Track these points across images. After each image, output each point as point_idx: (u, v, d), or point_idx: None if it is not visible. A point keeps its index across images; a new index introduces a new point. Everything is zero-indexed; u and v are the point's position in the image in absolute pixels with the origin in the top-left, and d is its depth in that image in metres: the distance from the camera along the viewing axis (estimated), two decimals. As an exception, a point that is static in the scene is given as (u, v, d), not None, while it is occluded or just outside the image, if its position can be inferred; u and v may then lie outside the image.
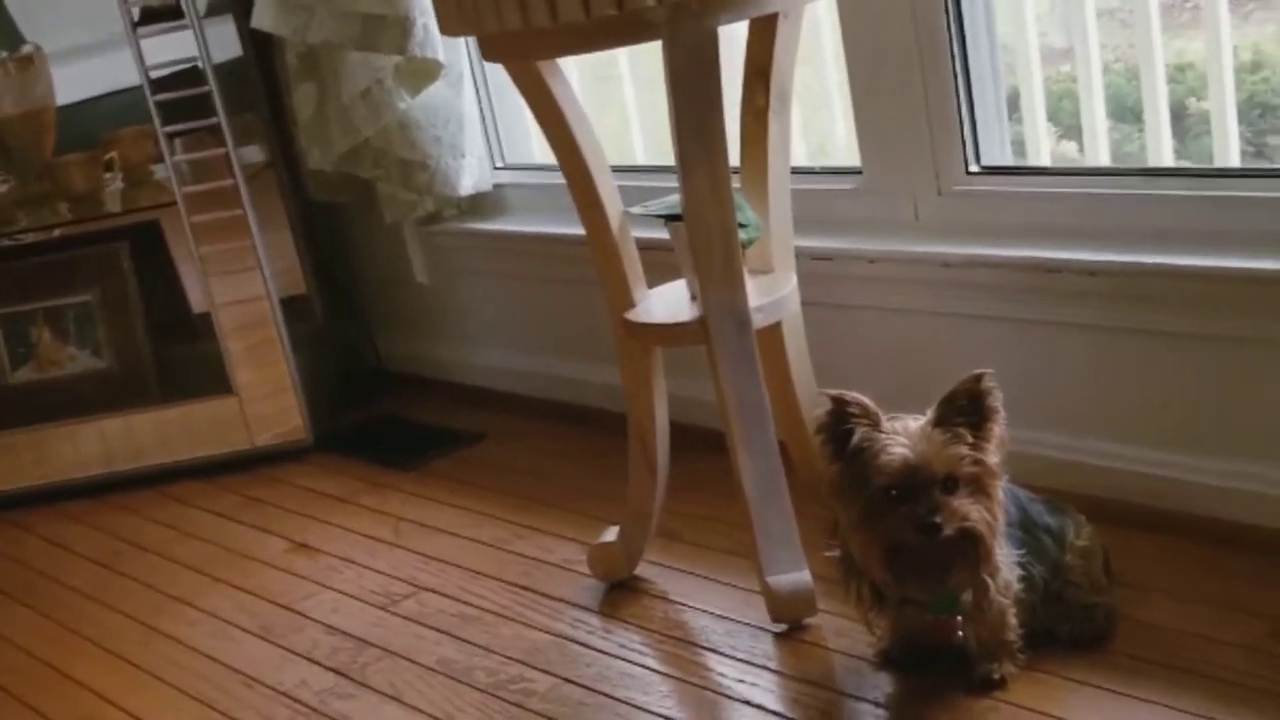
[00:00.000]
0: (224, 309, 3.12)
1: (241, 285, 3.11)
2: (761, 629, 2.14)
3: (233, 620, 2.50)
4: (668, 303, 2.24)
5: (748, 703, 1.98)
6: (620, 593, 2.33)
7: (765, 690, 2.00)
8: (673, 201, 2.19)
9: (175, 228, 3.14)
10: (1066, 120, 2.48)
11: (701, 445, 2.56)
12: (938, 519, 1.74)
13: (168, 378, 3.27)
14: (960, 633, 1.88)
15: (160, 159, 3.08)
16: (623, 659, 2.14)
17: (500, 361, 3.29)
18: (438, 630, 2.33)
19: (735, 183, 2.11)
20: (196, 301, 3.23)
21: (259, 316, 3.13)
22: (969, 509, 1.76)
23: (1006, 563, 1.88)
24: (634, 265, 2.22)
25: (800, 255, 2.39)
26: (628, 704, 2.01)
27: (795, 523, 2.14)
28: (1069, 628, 1.96)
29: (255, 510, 2.97)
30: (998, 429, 1.79)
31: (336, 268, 3.57)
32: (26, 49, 3.21)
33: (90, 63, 3.18)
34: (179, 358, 3.30)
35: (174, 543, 2.88)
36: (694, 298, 2.19)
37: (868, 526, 1.79)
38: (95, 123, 3.22)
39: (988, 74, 2.35)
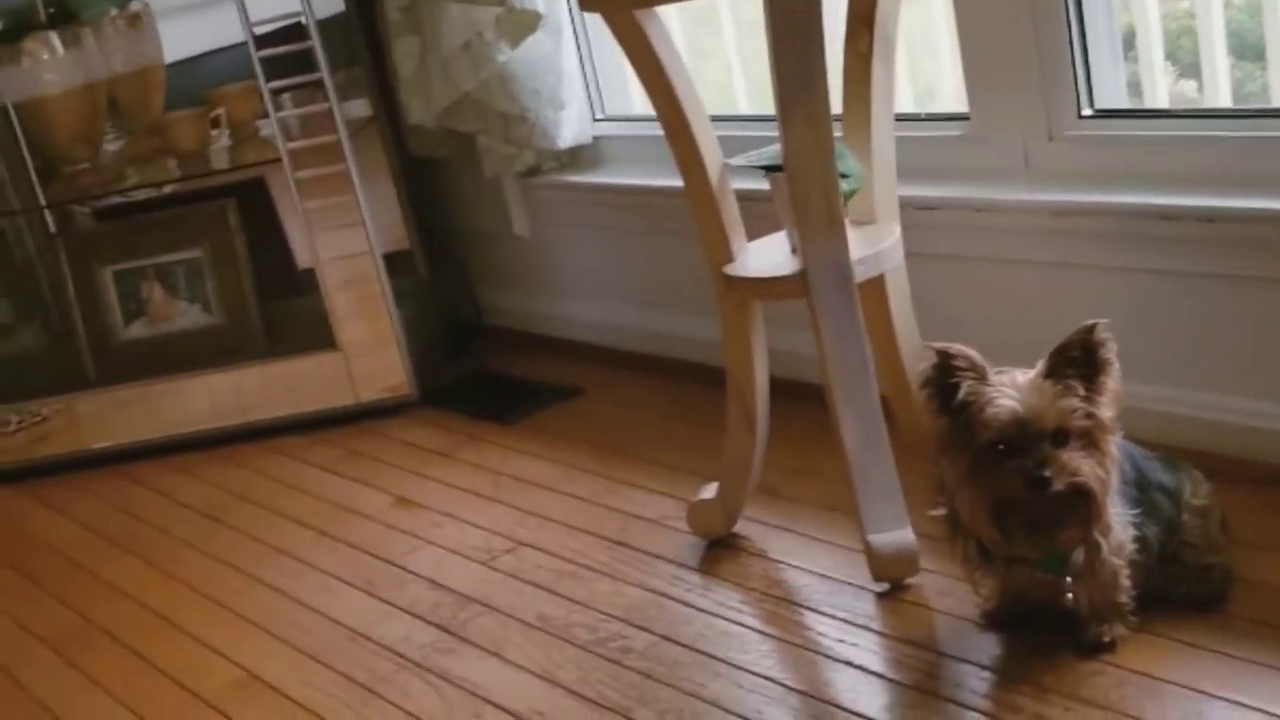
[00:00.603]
0: (328, 264, 3.14)
1: (345, 240, 3.13)
2: (863, 588, 2.13)
3: (336, 574, 2.52)
4: (768, 256, 2.23)
5: (849, 663, 1.96)
6: (719, 550, 2.33)
7: (866, 651, 1.99)
8: (773, 152, 2.17)
9: (280, 183, 3.17)
10: (1185, 59, 2.41)
11: (802, 399, 2.55)
12: (1047, 473, 1.72)
13: (274, 333, 3.30)
14: (1070, 593, 1.86)
15: (265, 115, 3.10)
16: (721, 617, 2.13)
17: (598, 315, 3.30)
18: (537, 586, 2.33)
19: (837, 131, 2.08)
20: (302, 257, 3.26)
21: (363, 271, 3.14)
22: (1080, 463, 1.74)
23: (1119, 521, 1.85)
24: (733, 217, 2.21)
25: (905, 205, 2.36)
26: (726, 662, 2.01)
27: (898, 479, 2.12)
28: (1184, 589, 1.93)
29: (358, 464, 3.00)
30: (1111, 382, 1.77)
31: (438, 222, 3.58)
32: (135, 6, 3.25)
33: (196, 19, 3.22)
34: (285, 313, 3.32)
35: (279, 496, 2.91)
36: (794, 250, 2.18)
37: (974, 482, 1.78)
38: (202, 80, 3.26)
39: (1101, 12, 2.29)
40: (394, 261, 3.24)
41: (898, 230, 2.24)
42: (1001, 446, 1.74)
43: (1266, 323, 2.16)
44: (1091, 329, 1.76)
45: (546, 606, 2.26)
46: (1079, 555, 1.82)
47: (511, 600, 2.30)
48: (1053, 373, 1.75)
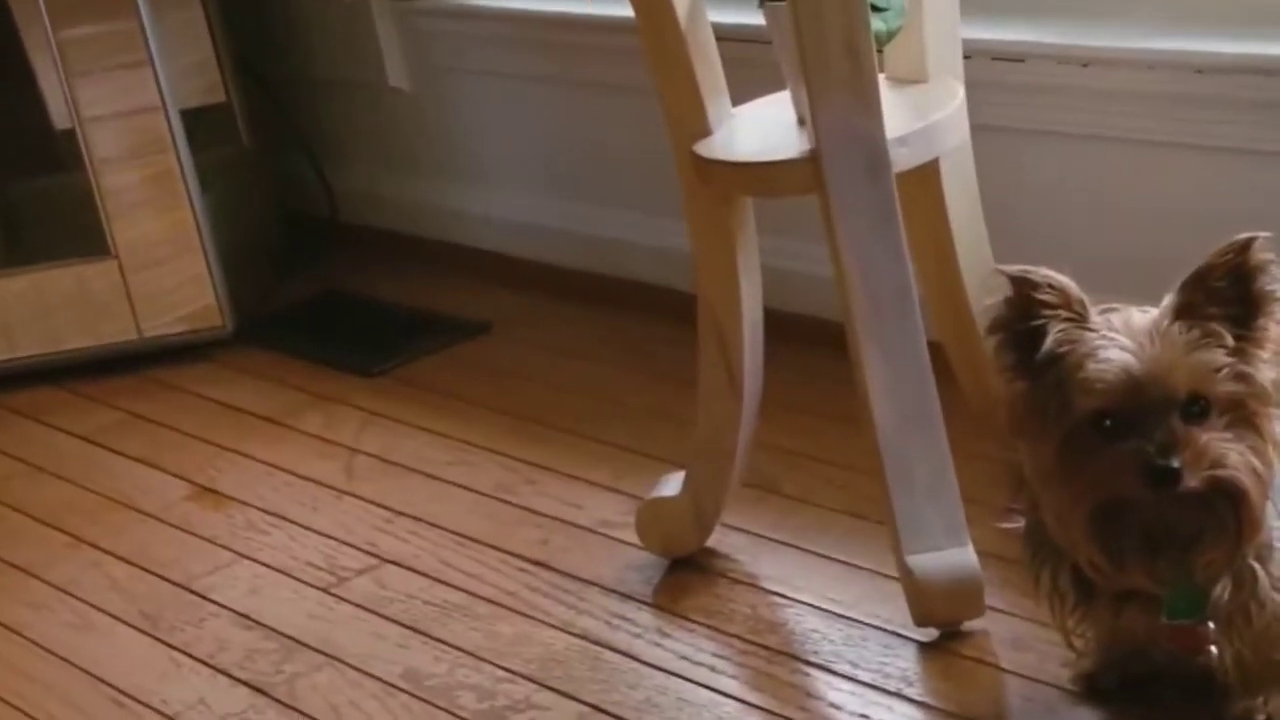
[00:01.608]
0: (96, 125, 3.13)
1: (123, 88, 3.11)
2: (899, 635, 2.15)
3: (100, 604, 2.52)
4: (762, 128, 2.25)
5: None
6: (684, 574, 2.35)
7: None
8: None
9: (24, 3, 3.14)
10: None
11: (814, 346, 2.53)
12: (1175, 462, 1.71)
13: (12, 230, 3.30)
14: (1212, 648, 1.85)
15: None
16: (684, 678, 2.14)
17: (515, 212, 3.33)
18: (405, 626, 2.34)
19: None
20: (57, 113, 3.23)
21: (150, 138, 3.14)
22: (1226, 449, 1.73)
23: None
24: (711, 69, 2.21)
25: (972, 54, 2.36)
26: None
27: (953, 472, 2.13)
28: None
29: (140, 434, 2.98)
30: (1275, 327, 1.77)
31: (270, 66, 3.58)
32: None
33: None
34: (30, 200, 3.31)
35: (15, 481, 2.89)
36: (801, 121, 2.19)
37: (1068, 475, 1.77)
38: None
39: None
40: (200, 123, 3.23)
41: (960, 93, 2.25)
42: (1109, 421, 1.74)
43: None
44: (1246, 247, 1.75)
45: (419, 657, 2.26)
46: (1224, 590, 1.81)
47: (365, 647, 2.31)
48: (1187, 312, 1.75)
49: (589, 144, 3.15)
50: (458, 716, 2.13)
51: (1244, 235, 1.75)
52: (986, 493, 2.14)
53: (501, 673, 2.19)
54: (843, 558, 2.32)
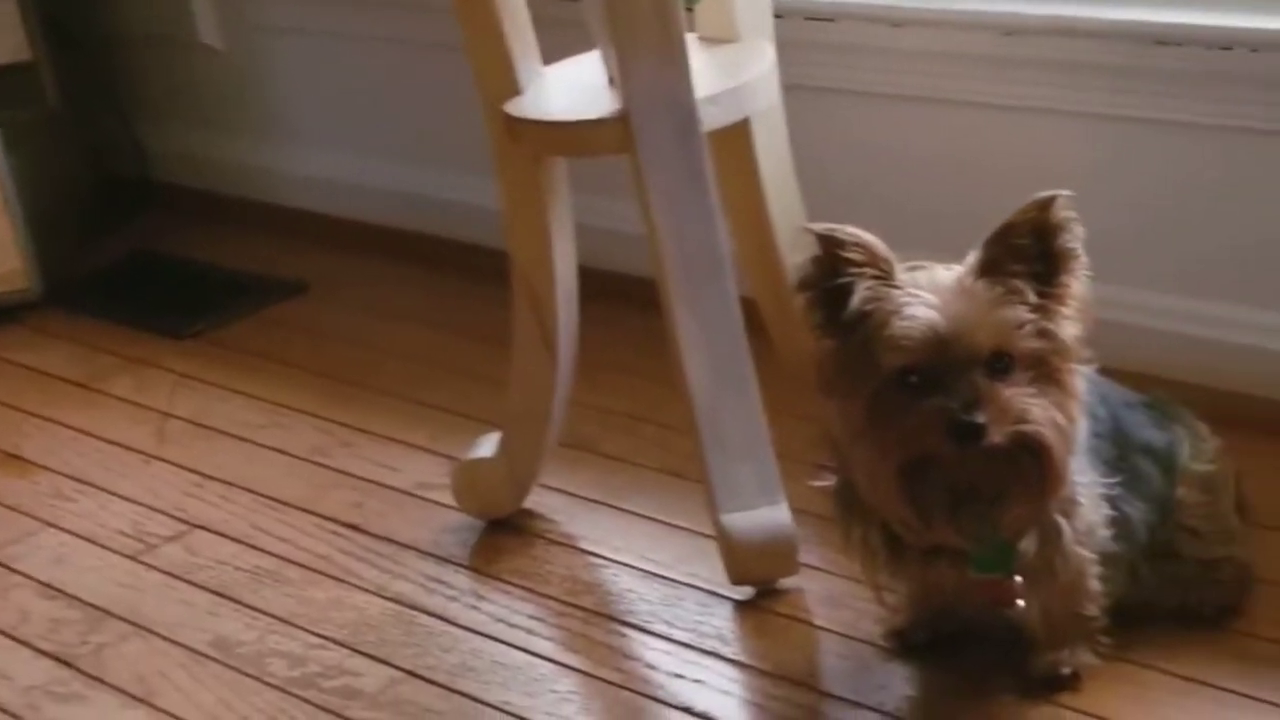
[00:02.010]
0: None
1: None
2: (715, 594, 2.16)
3: None
4: (573, 87, 2.24)
5: (689, 711, 1.97)
6: (501, 536, 2.36)
7: (716, 690, 2.00)
8: None
9: None
10: None
11: (630, 302, 2.52)
12: (980, 417, 1.72)
13: None
14: (1019, 601, 1.87)
15: None
16: (501, 641, 2.14)
17: (331, 171, 3.32)
18: (214, 593, 2.32)
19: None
20: None
21: None
22: (1030, 404, 1.75)
23: (1088, 495, 1.87)
24: (520, 28, 2.19)
25: (784, 14, 2.38)
26: (504, 710, 2.01)
27: (767, 431, 2.14)
28: (1181, 596, 1.97)
29: (-59, 400, 2.96)
30: (1077, 284, 1.79)
31: (78, 22, 3.54)
32: None
33: None
34: None
35: None
36: (612, 81, 2.17)
37: (875, 433, 1.79)
38: None
39: None
40: (5, 82, 3.21)
41: (771, 52, 2.26)
42: (914, 378, 1.75)
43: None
44: (1048, 204, 1.76)
45: (229, 625, 2.24)
46: (1029, 544, 1.84)
47: (174, 616, 2.28)
48: (990, 269, 1.76)
49: (405, 102, 3.14)
50: (268, 684, 2.10)
51: (1045, 193, 1.76)
52: (801, 450, 2.16)
53: (313, 639, 2.18)
54: (660, 517, 2.33)
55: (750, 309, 2.23)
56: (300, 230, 3.34)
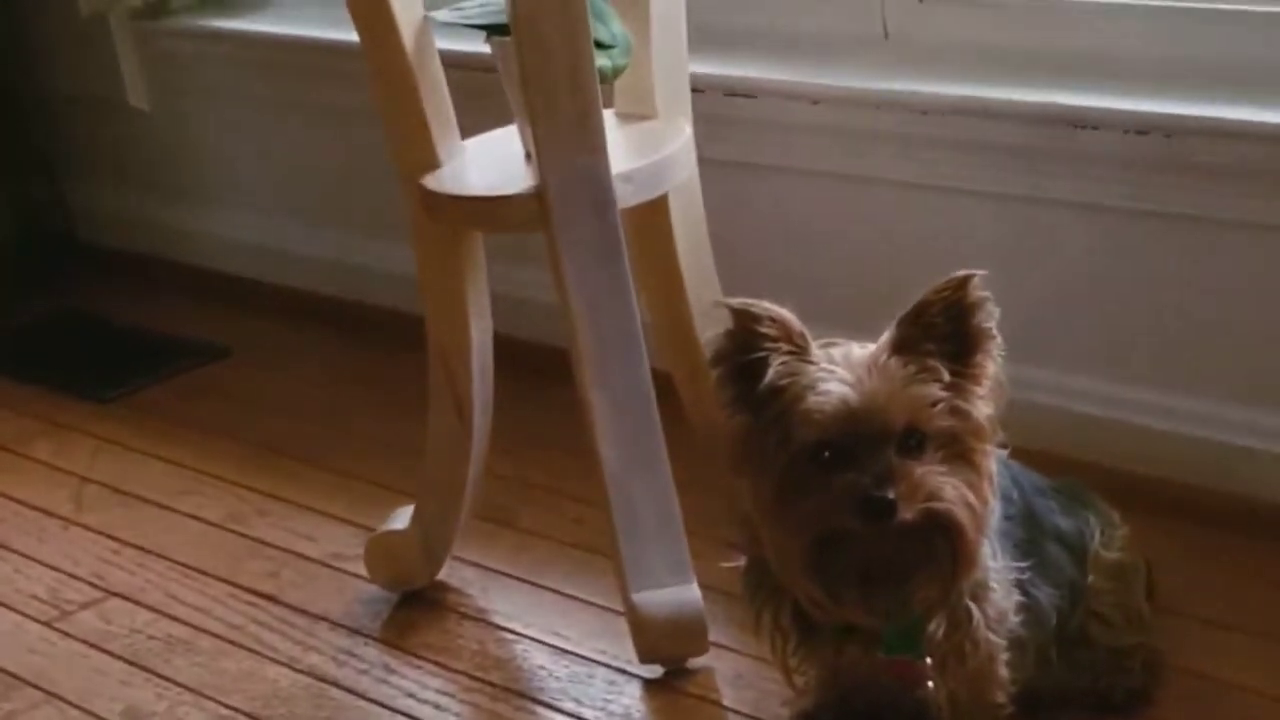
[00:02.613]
0: None
1: None
2: (625, 671, 2.16)
3: None
4: (491, 161, 2.25)
5: None
6: (414, 609, 2.35)
7: None
8: (499, 2, 2.12)
9: None
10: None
11: (553, 373, 2.50)
12: (891, 493, 1.71)
13: None
14: (929, 682, 1.85)
15: None
16: (410, 716, 2.13)
17: (256, 235, 3.32)
18: (127, 661, 2.31)
19: (596, -24, 2.12)
20: None
21: None
22: (941, 482, 1.74)
23: (1000, 579, 1.85)
24: (439, 102, 2.19)
25: (705, 88, 2.39)
26: None
27: (678, 509, 2.15)
28: (1090, 682, 1.97)
29: None
30: (990, 364, 1.78)
31: (7, 80, 3.54)
32: None
33: None
34: None
35: None
36: (529, 156, 2.18)
37: (787, 509, 1.77)
38: None
39: None
40: None
41: (688, 129, 2.27)
42: (827, 454, 1.74)
43: (1219, 284, 2.22)
44: (963, 283, 1.76)
45: (140, 694, 2.23)
46: (939, 627, 1.82)
47: (86, 684, 2.26)
48: (904, 347, 1.75)
49: (330, 168, 3.13)
50: (175, 759, 2.09)
51: (961, 272, 1.75)
52: (713, 524, 2.14)
53: (224, 710, 2.16)
54: (573, 592, 2.32)
55: (664, 382, 2.22)
56: (224, 293, 3.33)
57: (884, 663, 1.84)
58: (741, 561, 1.90)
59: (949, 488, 1.73)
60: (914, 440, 1.73)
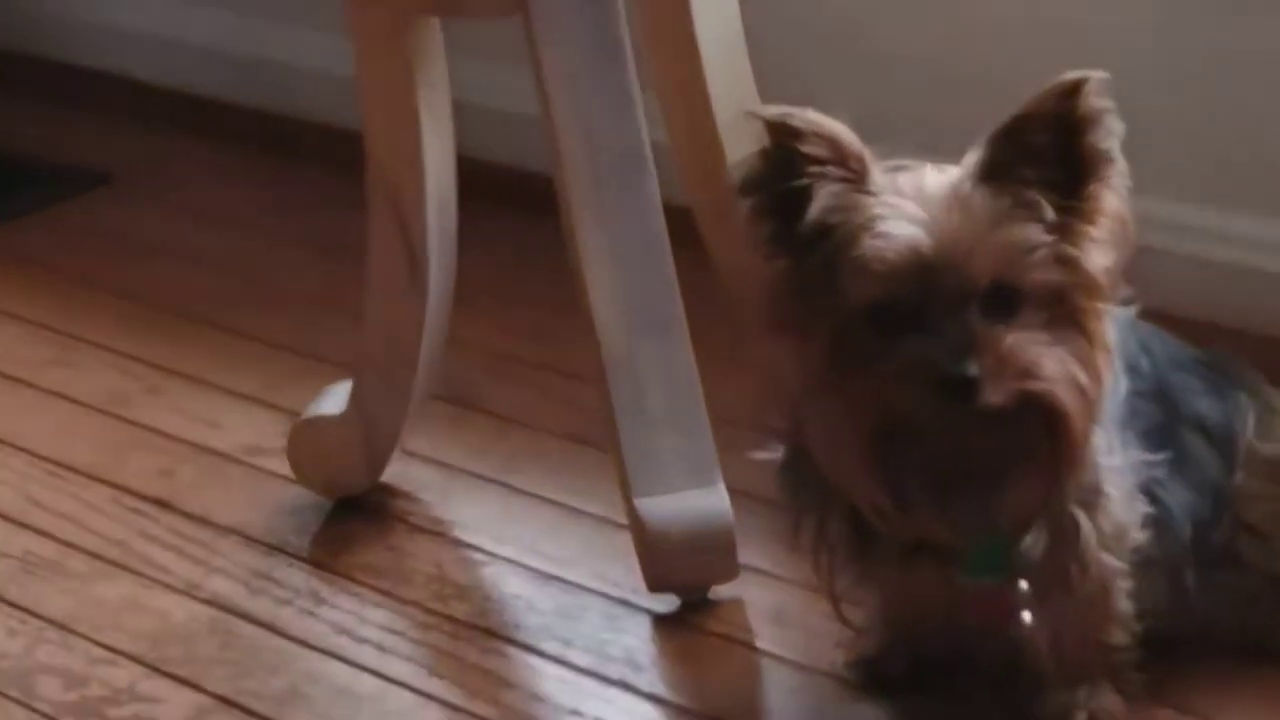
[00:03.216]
0: None
1: None
2: (627, 604, 2.18)
3: None
4: None
5: None
6: (352, 520, 2.38)
7: None
8: None
9: None
10: None
11: (533, 207, 2.53)
12: (973, 370, 1.73)
13: None
14: (1023, 616, 1.86)
15: None
16: (346, 660, 2.15)
17: (143, 22, 3.33)
18: None
19: None
20: None
21: None
22: (1039, 353, 1.76)
23: (1120, 481, 1.87)
24: None
25: None
26: None
27: (700, 389, 2.17)
28: (1239, 619, 1.99)
29: None
30: (1111, 197, 1.79)
31: None
32: None
33: None
34: None
35: None
36: None
37: (839, 386, 1.79)
38: None
39: None
40: None
41: None
42: (890, 316, 1.76)
43: None
44: (1074, 90, 1.76)
45: None
46: (1036, 544, 1.84)
47: None
48: (995, 174, 1.76)
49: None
50: (35, 711, 2.09)
51: (1073, 74, 1.76)
52: (748, 413, 2.15)
53: (99, 650, 2.17)
54: (560, 499, 2.34)
55: (681, 220, 2.23)
56: (102, 101, 3.34)
57: (964, 590, 1.87)
58: (779, 453, 1.92)
59: (1050, 361, 1.74)
60: (1005, 298, 1.74)
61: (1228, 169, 2.36)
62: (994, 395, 1.72)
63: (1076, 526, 1.84)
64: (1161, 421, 1.91)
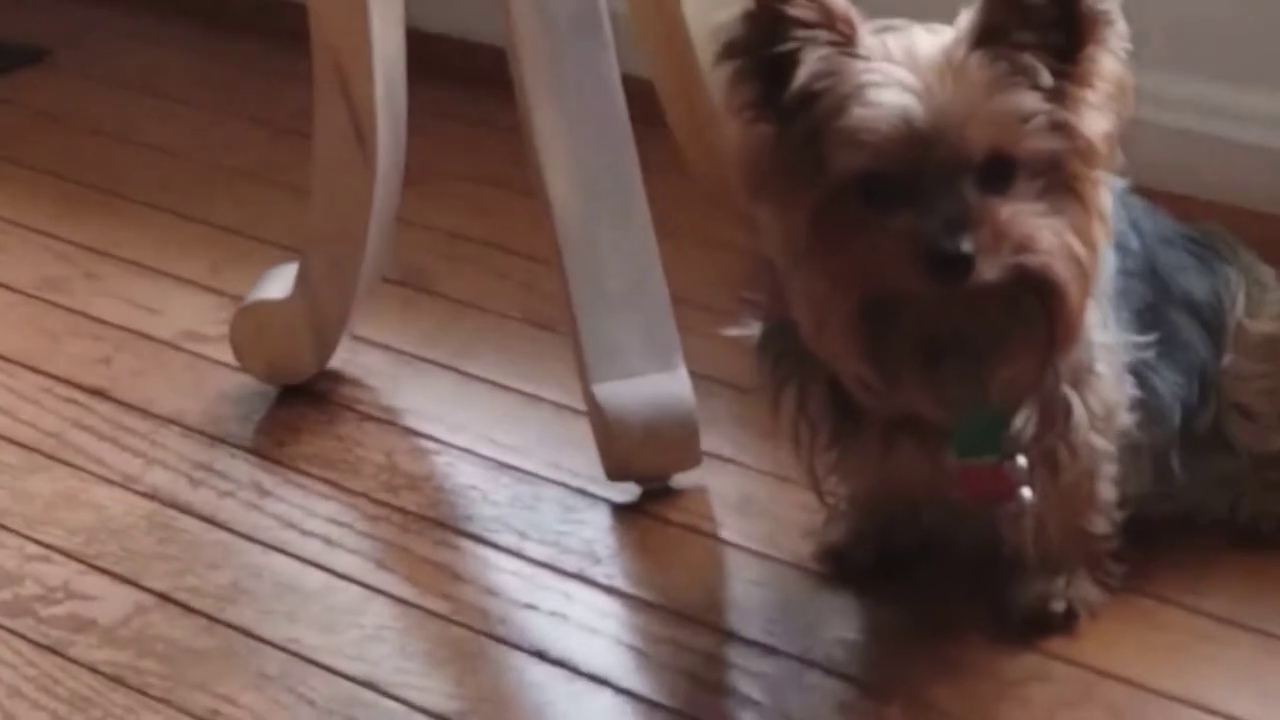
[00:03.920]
0: None
1: None
2: (585, 493, 2.20)
3: None
4: None
5: (542, 655, 1.98)
6: (299, 410, 2.39)
7: (582, 628, 2.02)
8: None
9: None
10: None
11: (487, 80, 2.52)
12: (967, 245, 1.73)
13: None
14: (1023, 493, 1.86)
15: None
16: (291, 554, 2.15)
17: None
18: None
19: None
20: None
21: None
22: (1037, 226, 1.76)
23: (1111, 360, 1.88)
24: None
25: None
26: (290, 651, 2.01)
27: (660, 268, 2.17)
28: (1226, 503, 2.01)
29: None
30: (1109, 60, 1.78)
31: None
32: None
33: None
34: None
35: None
36: None
37: (826, 257, 1.80)
38: None
39: None
40: None
41: None
42: (880, 186, 1.76)
43: None
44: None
45: None
46: (1028, 423, 1.85)
47: None
48: (990, 37, 1.75)
49: None
50: (-27, 612, 2.10)
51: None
52: (711, 294, 2.18)
53: (32, 546, 2.17)
54: (516, 385, 2.35)
55: (643, 90, 2.23)
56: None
57: (952, 470, 1.86)
58: (754, 328, 1.92)
59: (1047, 233, 1.75)
60: (1000, 169, 1.74)
61: (1236, 39, 2.37)
62: (989, 271, 1.73)
63: (1069, 406, 1.85)
64: (1151, 302, 1.92)
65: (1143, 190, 1.91)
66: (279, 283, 2.36)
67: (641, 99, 2.20)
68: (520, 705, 1.91)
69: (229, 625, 2.02)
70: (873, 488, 1.97)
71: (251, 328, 2.37)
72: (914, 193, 1.74)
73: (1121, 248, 1.86)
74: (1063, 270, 1.75)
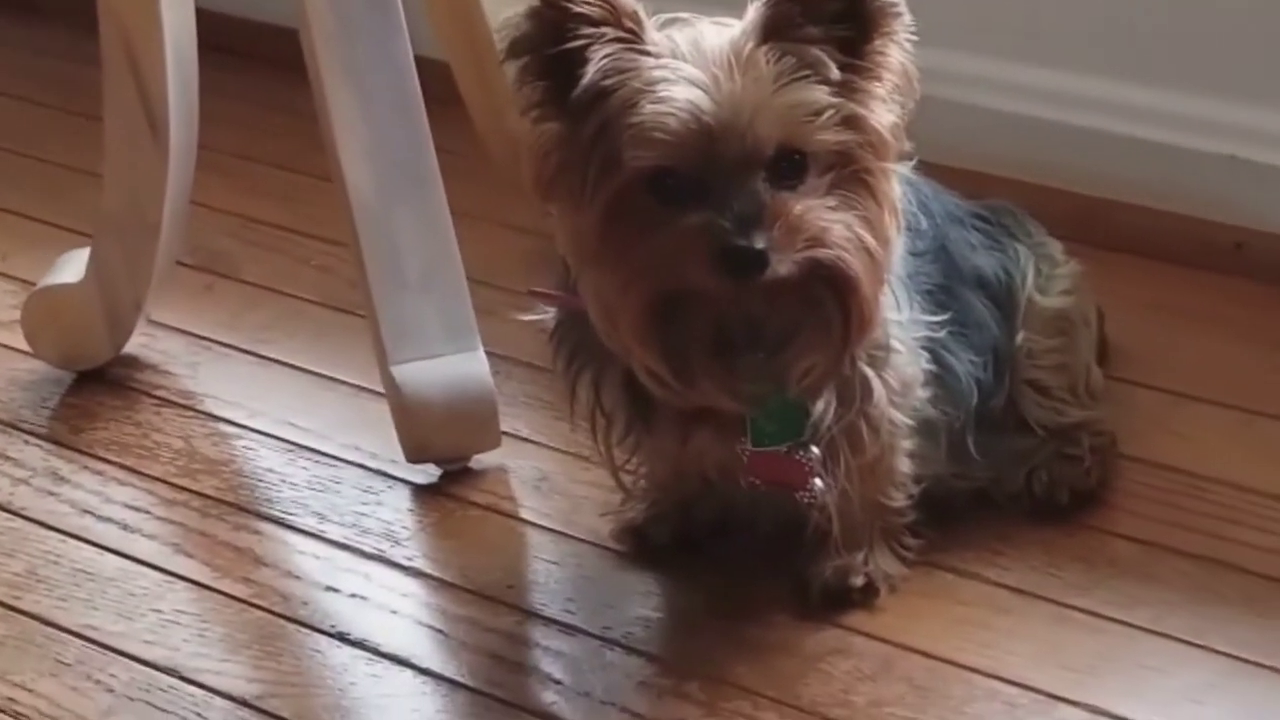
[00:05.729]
0: None
1: None
2: (385, 475, 2.20)
3: None
4: None
5: (343, 637, 1.98)
6: (95, 395, 2.38)
7: (382, 609, 2.02)
8: None
9: None
10: None
11: (284, 65, 2.47)
12: (760, 241, 1.73)
13: None
14: (817, 480, 1.88)
15: None
16: (87, 540, 2.14)
17: None
18: None
19: None
20: None
21: None
22: (829, 221, 1.77)
23: (905, 336, 1.90)
24: None
25: None
26: (87, 638, 1.99)
27: (457, 251, 2.17)
28: (1020, 478, 2.03)
29: None
30: (896, 51, 1.79)
31: None
32: None
33: None
34: None
35: None
36: None
37: (617, 255, 1.80)
38: None
39: None
40: None
41: None
42: (671, 183, 1.76)
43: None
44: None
45: None
46: (828, 407, 1.85)
47: None
48: (777, 31, 1.75)
49: None
50: None
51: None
52: (509, 276, 2.18)
53: None
54: (315, 368, 2.35)
55: (438, 73, 2.23)
56: None
57: (752, 459, 1.87)
58: (549, 314, 1.91)
59: (839, 227, 1.75)
60: (791, 163, 1.74)
61: (1009, 19, 2.39)
62: (782, 267, 1.73)
63: (868, 384, 1.86)
64: (942, 282, 1.93)
65: (930, 166, 1.91)
66: (72, 267, 2.34)
67: (436, 81, 2.19)
68: (322, 687, 1.90)
69: (25, 613, 2.01)
70: (671, 471, 1.97)
71: (44, 313, 2.35)
72: (706, 189, 1.73)
73: (911, 229, 1.87)
74: (855, 264, 1.76)
